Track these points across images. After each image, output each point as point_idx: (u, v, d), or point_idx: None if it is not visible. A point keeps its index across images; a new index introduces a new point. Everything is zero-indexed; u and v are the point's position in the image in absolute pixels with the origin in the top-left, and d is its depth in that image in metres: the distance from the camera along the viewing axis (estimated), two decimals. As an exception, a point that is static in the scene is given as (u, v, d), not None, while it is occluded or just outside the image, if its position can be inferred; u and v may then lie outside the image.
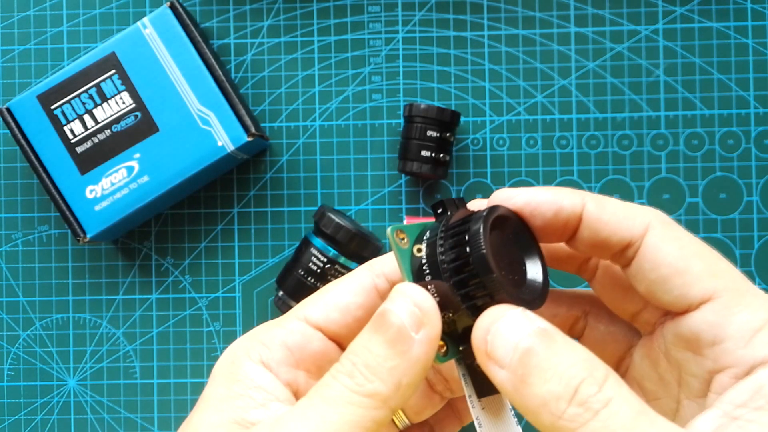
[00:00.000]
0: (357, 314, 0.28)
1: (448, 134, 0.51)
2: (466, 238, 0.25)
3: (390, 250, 0.27)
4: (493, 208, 0.27)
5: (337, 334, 0.28)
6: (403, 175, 0.54)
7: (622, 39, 0.54)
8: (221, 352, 0.54)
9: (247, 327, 0.55)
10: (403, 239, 0.27)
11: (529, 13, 0.54)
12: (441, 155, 0.51)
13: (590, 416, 0.23)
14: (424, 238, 0.27)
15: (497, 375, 0.24)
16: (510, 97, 0.54)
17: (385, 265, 0.29)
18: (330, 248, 0.50)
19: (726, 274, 0.26)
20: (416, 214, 0.54)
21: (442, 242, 0.26)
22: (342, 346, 0.28)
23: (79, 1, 0.55)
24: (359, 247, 0.49)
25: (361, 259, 0.50)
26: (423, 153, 0.51)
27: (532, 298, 0.26)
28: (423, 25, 0.55)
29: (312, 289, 0.50)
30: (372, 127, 0.55)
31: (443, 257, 0.26)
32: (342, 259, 0.50)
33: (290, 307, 0.50)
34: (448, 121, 0.51)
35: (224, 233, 0.55)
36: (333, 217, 0.49)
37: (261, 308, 0.55)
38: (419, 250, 0.27)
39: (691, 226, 0.54)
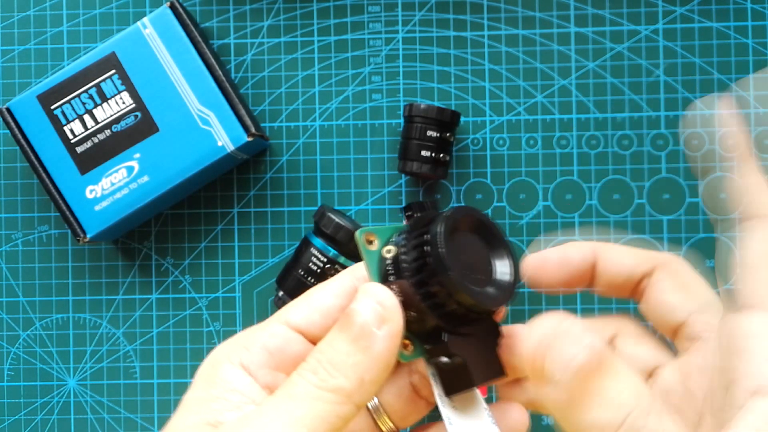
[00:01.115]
0: (337, 317, 0.28)
1: (448, 134, 0.51)
2: (426, 237, 0.26)
3: (359, 247, 0.28)
4: (456, 209, 0.27)
5: (317, 337, 0.28)
6: (403, 175, 0.54)
7: (622, 39, 0.54)
8: (221, 352, 0.55)
9: (248, 327, 0.55)
10: (371, 242, 0.28)
11: (529, 13, 0.54)
12: (441, 155, 0.51)
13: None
14: (392, 240, 0.28)
15: (546, 390, 0.25)
16: (510, 97, 0.54)
17: (365, 271, 0.30)
18: (330, 248, 0.50)
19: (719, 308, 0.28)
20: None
21: (405, 243, 0.27)
22: None
23: (79, 1, 0.55)
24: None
25: (361, 260, 0.50)
26: (423, 153, 0.51)
27: (498, 295, 0.27)
28: (423, 25, 0.55)
29: (312, 289, 0.50)
30: (372, 127, 0.55)
31: (405, 257, 0.26)
32: (342, 259, 0.50)
33: (290, 307, 0.50)
34: (448, 121, 0.51)
35: (224, 233, 0.55)
36: (333, 217, 0.49)
37: (261, 308, 0.55)
38: (388, 252, 0.27)
39: (691, 226, 0.54)
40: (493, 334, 0.27)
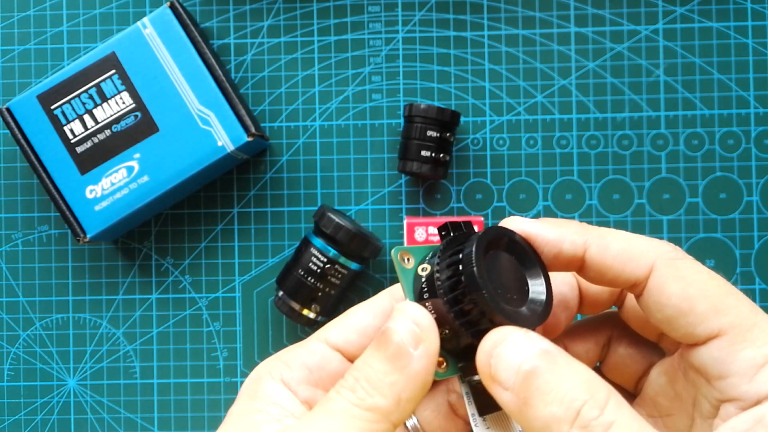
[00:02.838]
0: (374, 336, 0.29)
1: (448, 134, 0.51)
2: (459, 257, 0.26)
3: (395, 265, 0.28)
4: (491, 229, 0.27)
5: (355, 355, 0.29)
6: (403, 175, 0.54)
7: (622, 39, 0.54)
8: (221, 352, 0.54)
9: (247, 327, 0.55)
10: (407, 260, 0.28)
11: (529, 13, 0.54)
12: (441, 155, 0.51)
13: None
14: (427, 258, 0.28)
15: (501, 396, 0.25)
16: (510, 97, 0.54)
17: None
18: (330, 248, 0.50)
19: (732, 310, 0.27)
20: (416, 214, 0.54)
21: (440, 262, 0.27)
22: None
23: (79, 1, 0.55)
24: (359, 247, 0.49)
25: (361, 259, 0.50)
26: (423, 153, 0.51)
27: (531, 315, 0.27)
28: (423, 25, 0.55)
29: (312, 289, 0.50)
30: (372, 127, 0.55)
31: (439, 275, 0.27)
32: (342, 259, 0.50)
33: (290, 307, 0.50)
34: (448, 121, 0.51)
35: (224, 233, 0.55)
36: (333, 217, 0.49)
37: (261, 308, 0.55)
38: (423, 270, 0.28)
39: (691, 226, 0.54)
40: None
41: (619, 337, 0.32)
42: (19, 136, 0.50)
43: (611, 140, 0.54)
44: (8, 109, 0.50)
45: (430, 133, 0.51)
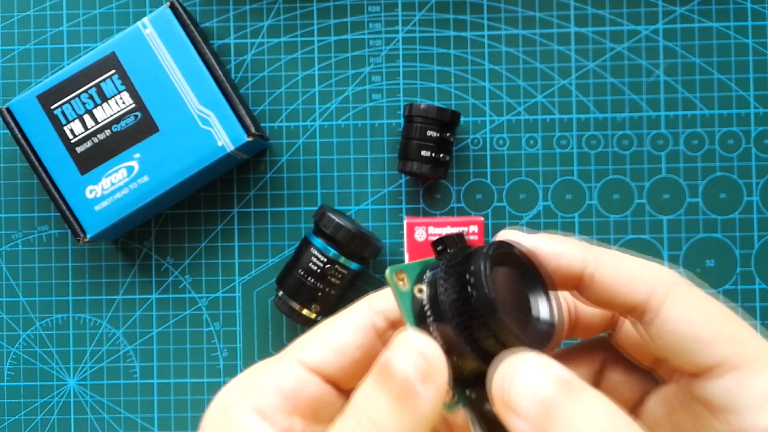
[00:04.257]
0: (355, 355, 0.27)
1: (448, 134, 0.51)
2: (468, 277, 0.24)
3: (391, 287, 0.26)
4: (494, 244, 0.25)
5: (333, 377, 0.27)
6: (403, 175, 0.54)
7: (622, 39, 0.54)
8: (221, 352, 0.54)
9: (247, 327, 0.55)
10: (402, 280, 0.26)
11: (529, 13, 0.54)
12: (441, 155, 0.51)
13: None
14: (425, 277, 0.26)
15: (516, 426, 0.23)
16: (510, 97, 0.54)
17: (383, 302, 0.28)
18: (330, 248, 0.50)
19: (739, 338, 0.26)
20: (416, 214, 0.54)
21: (443, 282, 0.25)
22: (338, 388, 0.27)
23: (79, 1, 0.55)
24: (359, 247, 0.49)
25: (361, 259, 0.50)
26: (423, 153, 0.51)
27: (540, 337, 0.25)
28: (423, 25, 0.55)
29: (312, 289, 0.50)
30: (372, 127, 0.55)
31: (445, 297, 0.24)
32: (342, 259, 0.50)
33: (290, 307, 0.50)
34: (448, 121, 0.51)
35: (224, 233, 0.55)
36: (333, 217, 0.49)
37: (261, 308, 0.55)
38: (420, 291, 0.26)
39: (691, 226, 0.54)
40: None
41: (614, 362, 0.31)
42: (19, 136, 0.50)
43: (611, 140, 0.54)
44: (8, 109, 0.50)
45: (430, 133, 0.51)
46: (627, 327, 0.30)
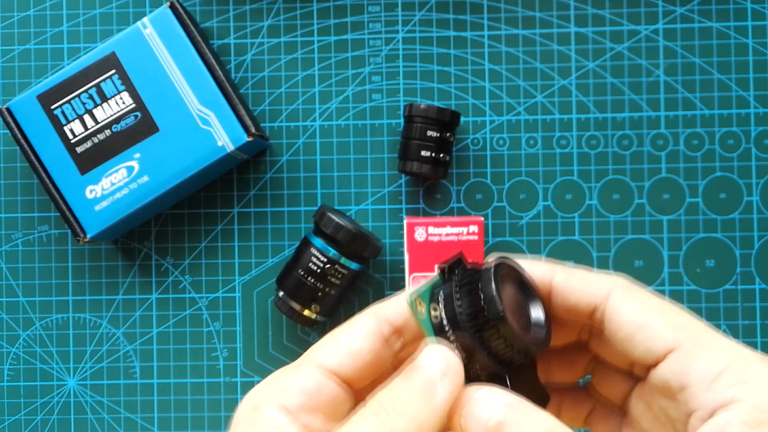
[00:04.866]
0: (366, 359, 0.30)
1: (448, 134, 0.51)
2: (482, 296, 0.29)
3: (412, 311, 0.31)
4: (499, 266, 0.30)
5: (349, 378, 0.30)
6: (403, 175, 0.54)
7: (622, 39, 0.54)
8: (221, 352, 0.54)
9: (247, 327, 0.55)
10: (420, 306, 0.30)
11: (529, 13, 0.54)
12: (441, 155, 0.51)
13: None
14: (439, 297, 0.30)
15: None
16: (510, 97, 0.54)
17: (388, 311, 0.31)
18: (330, 248, 0.50)
19: (688, 326, 0.29)
20: (416, 214, 0.54)
21: (458, 299, 0.29)
22: (353, 388, 0.31)
23: (79, 1, 0.55)
24: (359, 247, 0.49)
25: (361, 259, 0.50)
26: (423, 153, 0.51)
27: (541, 339, 0.30)
28: (423, 25, 0.55)
29: (312, 289, 0.50)
30: (372, 127, 0.55)
31: (461, 311, 0.29)
32: (342, 259, 0.50)
33: (290, 307, 0.50)
34: (448, 121, 0.51)
35: (224, 233, 0.55)
36: (333, 217, 0.49)
37: (261, 308, 0.55)
38: (435, 308, 0.30)
39: (691, 226, 0.54)
40: (531, 368, 0.31)
41: (602, 363, 0.34)
42: (19, 136, 0.50)
43: (611, 140, 0.54)
44: (8, 109, 0.50)
45: (430, 133, 0.51)
46: (598, 339, 0.33)
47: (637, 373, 0.31)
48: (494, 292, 0.28)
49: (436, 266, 0.31)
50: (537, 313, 0.30)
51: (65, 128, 0.50)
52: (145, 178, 0.50)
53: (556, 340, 0.33)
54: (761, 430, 0.26)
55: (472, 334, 0.29)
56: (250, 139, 0.50)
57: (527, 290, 0.31)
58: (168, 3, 0.50)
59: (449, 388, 0.28)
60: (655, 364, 0.29)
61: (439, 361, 0.28)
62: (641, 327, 0.29)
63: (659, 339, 0.29)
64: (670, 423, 0.29)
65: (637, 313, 0.30)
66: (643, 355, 0.29)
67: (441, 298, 0.30)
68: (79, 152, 0.50)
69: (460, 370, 0.28)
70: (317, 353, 0.31)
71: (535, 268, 0.32)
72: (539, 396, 0.30)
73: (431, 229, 0.48)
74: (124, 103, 0.50)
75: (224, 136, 0.50)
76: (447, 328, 0.29)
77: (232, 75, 0.55)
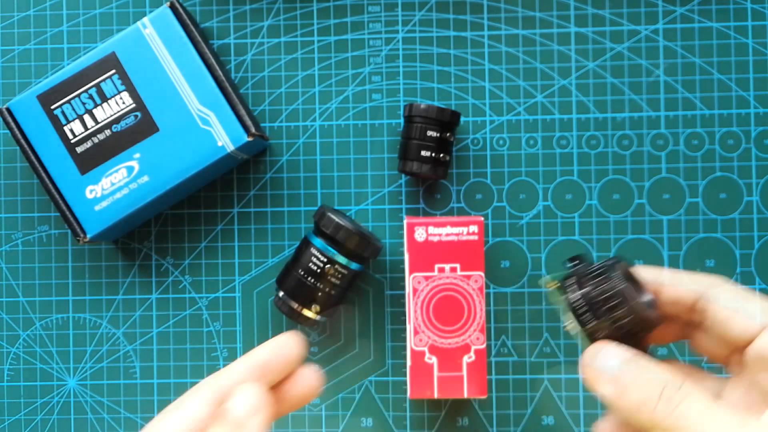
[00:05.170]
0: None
1: (448, 134, 0.51)
2: (616, 288, 0.35)
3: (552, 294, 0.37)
4: (617, 263, 0.36)
5: None
6: (403, 175, 0.54)
7: (622, 39, 0.54)
8: (221, 352, 0.55)
9: (247, 327, 0.55)
10: (551, 287, 0.37)
11: (529, 13, 0.54)
12: (441, 155, 0.51)
13: (673, 408, 0.32)
14: (569, 285, 0.37)
15: (603, 389, 0.34)
16: (510, 97, 0.54)
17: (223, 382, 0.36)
18: (330, 248, 0.50)
19: None
20: (416, 214, 0.54)
21: (592, 289, 0.36)
22: None
23: (79, 1, 0.55)
24: (359, 247, 0.49)
25: (361, 259, 0.50)
26: (423, 153, 0.51)
27: (657, 316, 0.36)
28: (423, 25, 0.55)
29: (312, 289, 0.50)
30: (372, 127, 0.55)
31: (600, 299, 0.35)
32: (342, 259, 0.50)
33: (290, 307, 0.50)
34: (448, 121, 0.51)
35: (224, 233, 0.55)
36: (333, 217, 0.49)
37: (261, 308, 0.55)
38: (568, 291, 0.36)
39: (691, 226, 0.54)
40: (641, 342, 0.36)
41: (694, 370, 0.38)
42: (19, 136, 0.50)
43: (611, 140, 0.54)
44: (8, 109, 0.50)
45: (430, 133, 0.51)
46: (699, 335, 0.38)
47: (731, 368, 0.36)
48: (630, 292, 0.35)
49: (565, 260, 0.38)
50: (648, 298, 0.36)
51: (65, 128, 0.50)
52: (145, 178, 0.50)
53: (663, 339, 0.39)
54: None
55: (604, 313, 0.35)
56: (250, 139, 0.50)
57: (635, 283, 0.37)
58: (168, 3, 0.50)
59: (258, 425, 0.33)
60: (750, 342, 0.34)
61: (245, 403, 0.34)
62: (737, 310, 0.34)
63: (754, 319, 0.34)
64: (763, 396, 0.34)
65: (733, 300, 0.35)
66: (741, 334, 0.34)
67: (575, 283, 0.36)
68: (79, 152, 0.50)
69: (265, 407, 0.34)
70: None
71: (645, 270, 0.37)
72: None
73: (431, 229, 0.48)
74: (124, 103, 0.50)
75: (224, 136, 0.50)
76: (585, 314, 0.35)
77: (232, 75, 0.55)
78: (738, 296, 0.35)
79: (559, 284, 0.37)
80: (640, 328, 0.35)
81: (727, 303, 0.35)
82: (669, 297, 0.37)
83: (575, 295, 0.36)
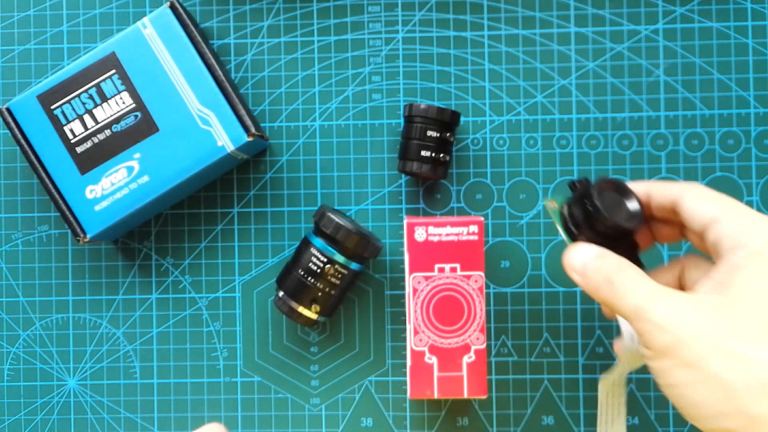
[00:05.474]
0: None
1: (448, 134, 0.51)
2: (594, 206, 0.41)
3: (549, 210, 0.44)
4: (599, 181, 0.42)
5: None
6: (403, 175, 0.54)
7: (622, 39, 0.54)
8: (221, 352, 0.55)
9: (247, 327, 0.55)
10: (552, 204, 0.45)
11: (529, 13, 0.54)
12: (441, 155, 0.51)
13: (615, 288, 0.38)
14: (565, 204, 0.44)
15: (573, 277, 0.41)
16: (510, 97, 0.54)
17: None
18: (330, 248, 0.50)
19: (723, 201, 0.39)
20: (416, 214, 0.54)
21: (575, 204, 0.43)
22: None
23: (79, 1, 0.55)
24: (359, 247, 0.49)
25: (361, 259, 0.50)
26: (423, 153, 0.51)
27: (634, 219, 0.42)
28: (423, 25, 0.55)
29: (312, 289, 0.50)
30: (372, 127, 0.55)
31: (577, 211, 0.43)
32: (342, 259, 0.50)
33: (290, 307, 0.50)
34: (448, 121, 0.51)
35: (224, 233, 0.55)
36: (333, 217, 0.49)
37: (261, 308, 0.55)
38: (563, 208, 0.44)
39: (691, 226, 0.53)
40: (632, 248, 0.43)
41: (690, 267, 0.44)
42: (19, 136, 0.50)
43: (611, 140, 0.54)
44: (8, 109, 0.50)
45: (430, 133, 0.51)
46: (688, 233, 0.43)
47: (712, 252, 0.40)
48: (596, 197, 0.41)
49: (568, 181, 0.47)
50: (632, 204, 0.42)
51: (65, 128, 0.50)
52: (145, 178, 0.50)
53: (664, 239, 0.44)
54: (760, 259, 0.36)
55: (584, 220, 0.42)
56: (250, 139, 0.50)
57: (625, 192, 0.42)
58: (168, 3, 0.50)
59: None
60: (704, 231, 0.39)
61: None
62: (698, 208, 0.39)
63: (705, 213, 0.39)
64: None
65: (698, 199, 0.40)
66: (700, 228, 0.39)
67: (566, 202, 0.44)
68: (79, 152, 0.50)
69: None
70: None
71: (636, 184, 0.43)
72: (637, 265, 0.40)
73: (431, 229, 0.48)
74: (124, 103, 0.50)
75: (224, 136, 0.50)
76: (568, 219, 0.43)
77: (232, 75, 0.55)
78: (703, 195, 0.40)
79: (556, 205, 0.45)
80: (617, 233, 0.41)
81: (690, 203, 0.40)
82: (655, 204, 0.42)
83: (566, 214, 0.44)
